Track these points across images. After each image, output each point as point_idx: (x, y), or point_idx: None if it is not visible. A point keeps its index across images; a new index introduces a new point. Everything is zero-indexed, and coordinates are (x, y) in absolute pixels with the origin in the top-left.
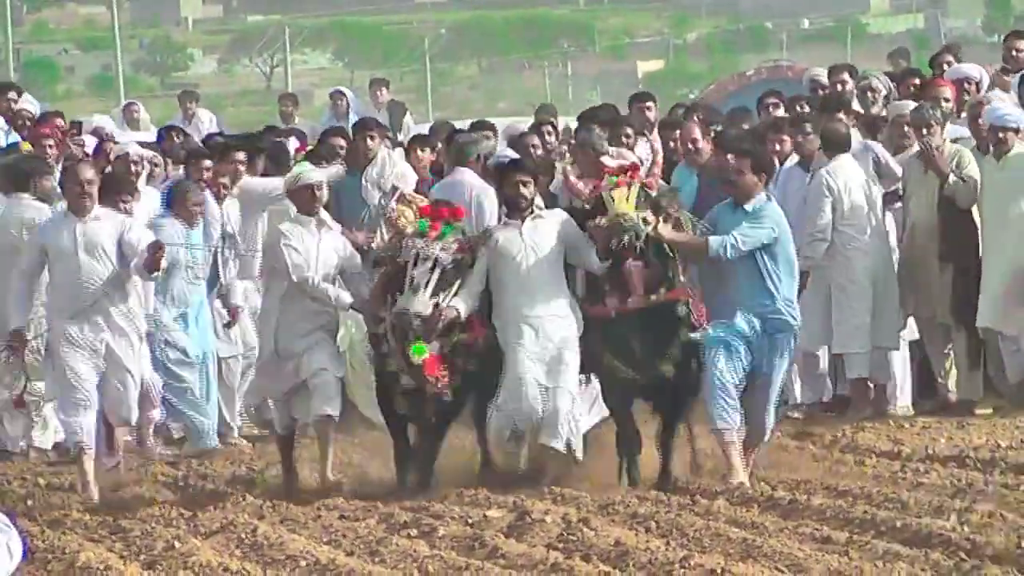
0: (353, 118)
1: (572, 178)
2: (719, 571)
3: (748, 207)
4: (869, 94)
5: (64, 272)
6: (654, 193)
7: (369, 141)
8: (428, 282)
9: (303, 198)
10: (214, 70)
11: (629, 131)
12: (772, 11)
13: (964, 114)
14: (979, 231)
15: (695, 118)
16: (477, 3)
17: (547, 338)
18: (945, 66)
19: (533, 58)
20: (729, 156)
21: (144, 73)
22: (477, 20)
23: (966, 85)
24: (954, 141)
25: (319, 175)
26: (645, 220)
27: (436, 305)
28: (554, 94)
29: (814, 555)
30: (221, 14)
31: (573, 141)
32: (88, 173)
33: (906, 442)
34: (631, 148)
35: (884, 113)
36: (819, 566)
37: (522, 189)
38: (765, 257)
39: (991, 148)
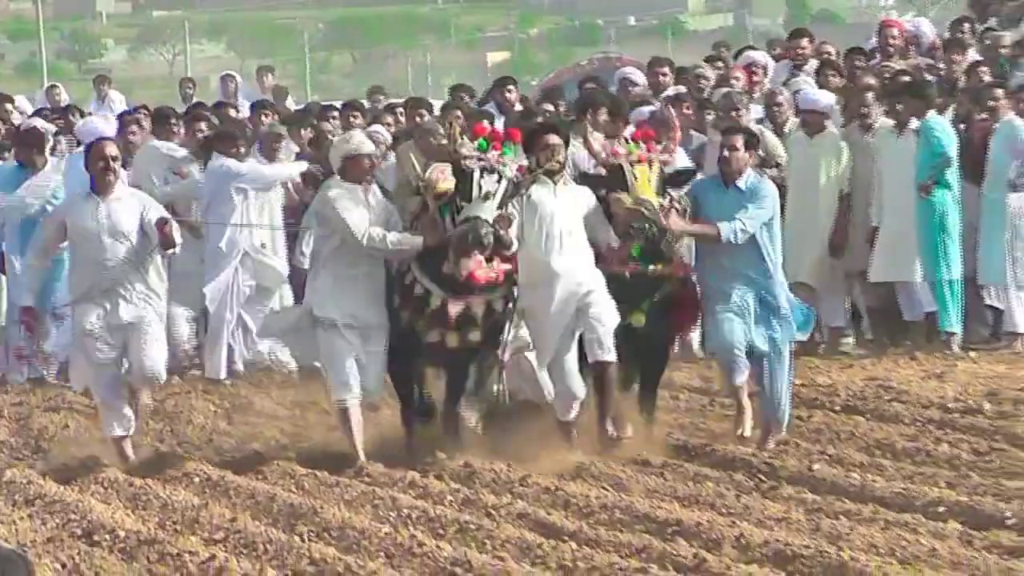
0: (240, 99)
1: (593, 141)
2: (552, 488)
3: (741, 184)
4: (703, 81)
5: (86, 252)
6: (668, 169)
7: (264, 118)
8: (496, 192)
9: (355, 167)
10: (125, 58)
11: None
12: (603, 9)
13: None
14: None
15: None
16: (351, 1)
17: (576, 285)
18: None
19: (398, 50)
20: (721, 134)
21: (64, 60)
22: (350, 16)
23: (754, 69)
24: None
25: (370, 145)
26: (661, 206)
27: (502, 214)
28: (416, 81)
29: (635, 476)
30: (130, 10)
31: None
32: (112, 149)
33: (715, 380)
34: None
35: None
36: (639, 485)
37: (555, 154)
38: (764, 233)
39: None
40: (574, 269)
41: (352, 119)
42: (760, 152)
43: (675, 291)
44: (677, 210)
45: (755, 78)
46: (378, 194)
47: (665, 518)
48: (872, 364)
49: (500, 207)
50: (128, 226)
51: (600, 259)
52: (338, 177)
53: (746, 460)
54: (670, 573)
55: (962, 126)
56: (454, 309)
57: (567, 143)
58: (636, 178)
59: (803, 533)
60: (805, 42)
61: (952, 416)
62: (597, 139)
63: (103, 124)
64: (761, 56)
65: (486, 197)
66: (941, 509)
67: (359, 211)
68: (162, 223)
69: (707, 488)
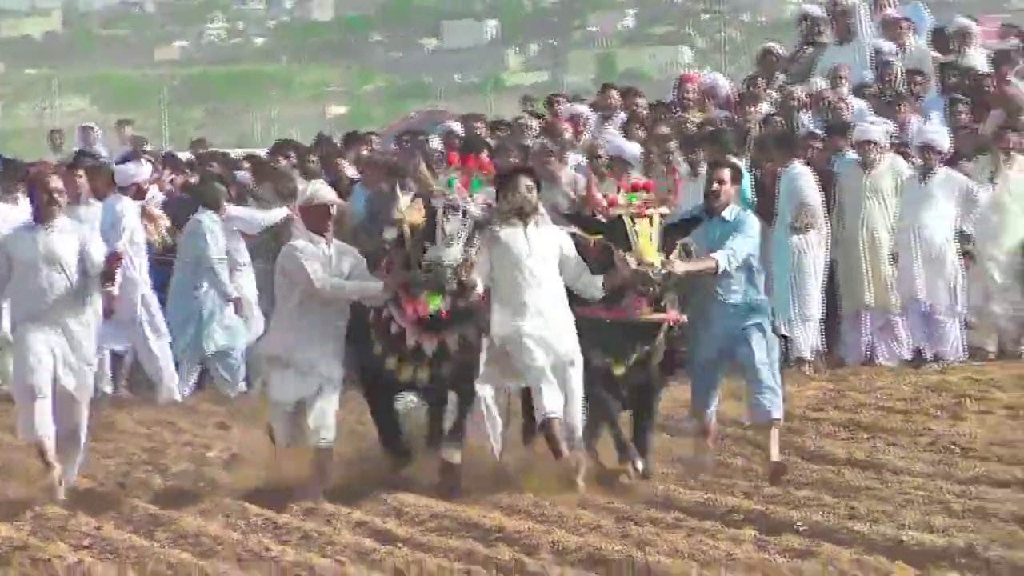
0: (100, 148)
1: (594, 189)
2: (387, 499)
3: (726, 215)
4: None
5: (25, 282)
6: (669, 216)
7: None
8: (461, 234)
9: (316, 216)
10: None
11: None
12: (432, 68)
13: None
14: None
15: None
16: (204, 61)
17: (550, 326)
18: (557, 105)
19: (247, 104)
20: (708, 167)
21: None
22: (203, 74)
23: (579, 120)
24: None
25: (332, 194)
26: (662, 261)
27: (466, 258)
28: (263, 132)
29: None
30: (3, 70)
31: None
32: (57, 181)
33: None
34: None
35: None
36: (465, 495)
37: (528, 194)
38: (753, 261)
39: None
40: (545, 307)
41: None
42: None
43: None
44: (682, 255)
45: (579, 128)
46: (340, 245)
47: (489, 525)
48: (680, 387)
49: (465, 249)
50: (66, 256)
51: (585, 304)
52: (302, 227)
53: None
54: (492, 575)
55: (756, 172)
56: (428, 347)
57: (539, 187)
58: (638, 235)
59: (613, 539)
60: (614, 94)
61: (747, 432)
62: (596, 185)
63: (136, 169)
64: (585, 109)
65: (449, 242)
66: (738, 516)
67: (321, 263)
68: (113, 257)
69: (527, 498)
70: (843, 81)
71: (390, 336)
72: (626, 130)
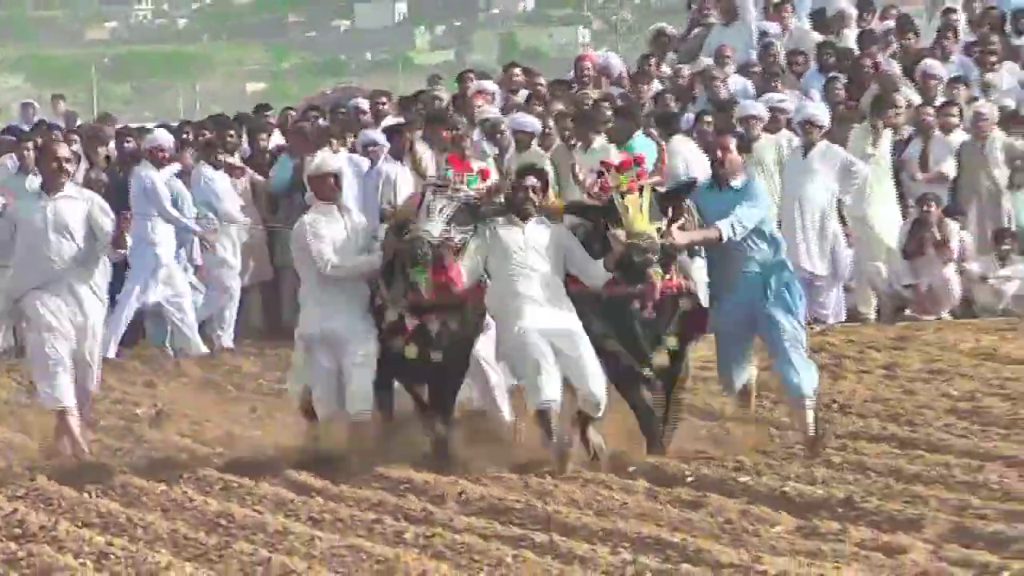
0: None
1: (580, 172)
2: (303, 451)
3: (735, 184)
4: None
5: (33, 248)
6: (662, 189)
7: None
8: (443, 210)
9: (324, 186)
10: None
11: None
12: (346, 47)
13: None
14: None
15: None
16: (131, 41)
17: (551, 315)
18: (468, 82)
19: (171, 81)
20: (715, 135)
21: None
22: (131, 53)
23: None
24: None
25: (338, 163)
26: (659, 230)
27: (448, 236)
28: (186, 107)
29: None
30: None
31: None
32: (64, 150)
33: None
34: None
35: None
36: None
37: (532, 194)
38: (764, 226)
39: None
40: (543, 300)
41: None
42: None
43: (687, 308)
44: (684, 223)
45: (486, 100)
46: (354, 214)
47: (398, 476)
48: None
49: (448, 226)
50: (74, 223)
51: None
52: (314, 200)
53: None
54: (401, 523)
55: None
56: (410, 324)
57: (546, 186)
58: (628, 210)
59: (515, 490)
60: (518, 72)
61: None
62: (584, 171)
63: (163, 136)
64: (491, 84)
65: (432, 217)
66: (631, 468)
67: (331, 236)
68: (123, 219)
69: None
70: (728, 60)
71: (375, 309)
72: (527, 105)
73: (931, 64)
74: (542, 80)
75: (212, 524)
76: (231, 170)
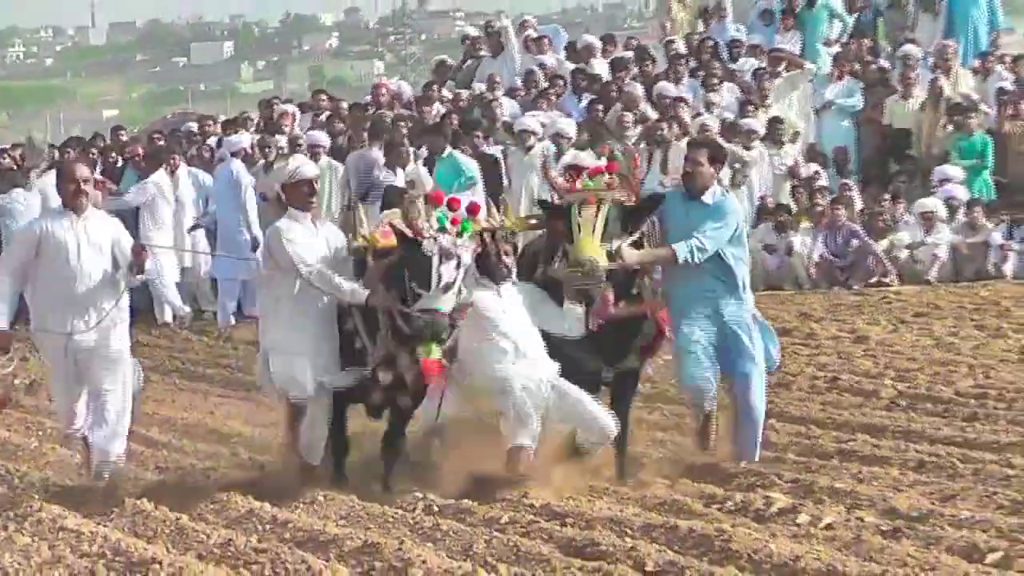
0: None
1: (552, 171)
2: (151, 413)
3: (706, 199)
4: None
5: (59, 265)
6: (631, 202)
7: None
8: (456, 281)
9: (299, 193)
10: None
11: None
12: (184, 79)
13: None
14: None
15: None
16: (7, 77)
17: (532, 369)
18: (274, 106)
19: (40, 109)
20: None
21: None
22: (6, 87)
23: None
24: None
25: (315, 169)
26: (610, 254)
27: (461, 306)
28: (52, 131)
29: (210, 401)
30: None
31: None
32: (84, 171)
33: None
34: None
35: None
36: (220, 410)
37: (505, 257)
38: (728, 249)
39: None
40: (521, 358)
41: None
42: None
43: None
44: (640, 239)
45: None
46: (328, 226)
47: (228, 431)
48: None
49: (456, 298)
50: (104, 242)
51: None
52: (287, 207)
53: None
54: (233, 471)
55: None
56: (384, 379)
57: (516, 248)
58: (579, 229)
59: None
60: (324, 97)
61: None
62: (556, 171)
63: (241, 139)
64: (291, 107)
65: (446, 288)
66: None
67: (308, 243)
68: (139, 248)
69: (261, 405)
70: (497, 86)
71: (353, 351)
72: (330, 124)
73: (665, 86)
74: (344, 104)
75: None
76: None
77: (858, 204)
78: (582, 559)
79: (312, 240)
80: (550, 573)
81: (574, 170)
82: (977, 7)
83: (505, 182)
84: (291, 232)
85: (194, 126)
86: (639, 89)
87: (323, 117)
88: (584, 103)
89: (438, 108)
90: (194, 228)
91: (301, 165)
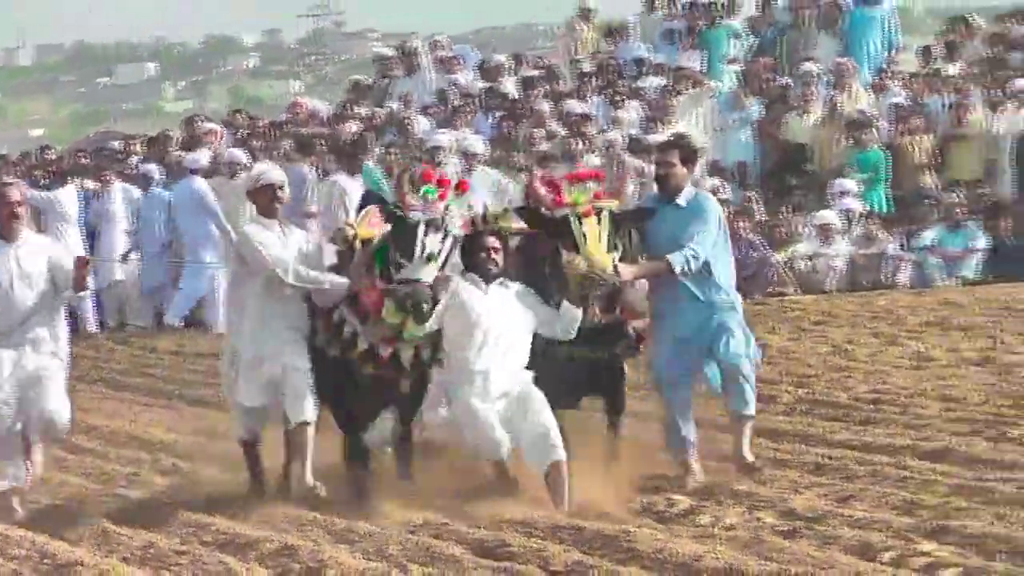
0: None
1: (536, 183)
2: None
3: (681, 201)
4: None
5: None
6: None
7: None
8: (440, 252)
9: (264, 198)
10: None
11: None
12: (108, 99)
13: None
14: None
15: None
16: None
17: (505, 382)
18: (196, 124)
19: None
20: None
21: None
22: None
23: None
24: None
25: (281, 175)
26: (615, 266)
27: (441, 278)
28: None
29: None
30: None
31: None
32: (16, 195)
33: None
34: None
35: None
36: (142, 418)
37: (493, 255)
38: (710, 251)
39: None
40: (500, 367)
41: None
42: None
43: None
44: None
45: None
46: (296, 231)
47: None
48: None
49: (441, 268)
50: (38, 271)
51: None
52: (254, 213)
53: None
54: (155, 476)
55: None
56: (384, 352)
57: (506, 248)
58: (587, 238)
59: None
60: (240, 116)
61: None
62: (540, 183)
63: (202, 156)
64: (214, 125)
65: (429, 258)
66: None
67: (278, 247)
68: (83, 262)
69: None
70: (411, 104)
71: (342, 339)
72: (247, 142)
73: (572, 104)
74: (261, 122)
75: None
76: None
77: (758, 216)
78: (492, 559)
79: (279, 244)
80: (461, 573)
81: (551, 185)
82: (874, 27)
83: None
84: (260, 235)
85: (117, 144)
86: (547, 107)
87: (241, 135)
88: (494, 121)
89: (353, 126)
90: (126, 256)
91: (266, 171)
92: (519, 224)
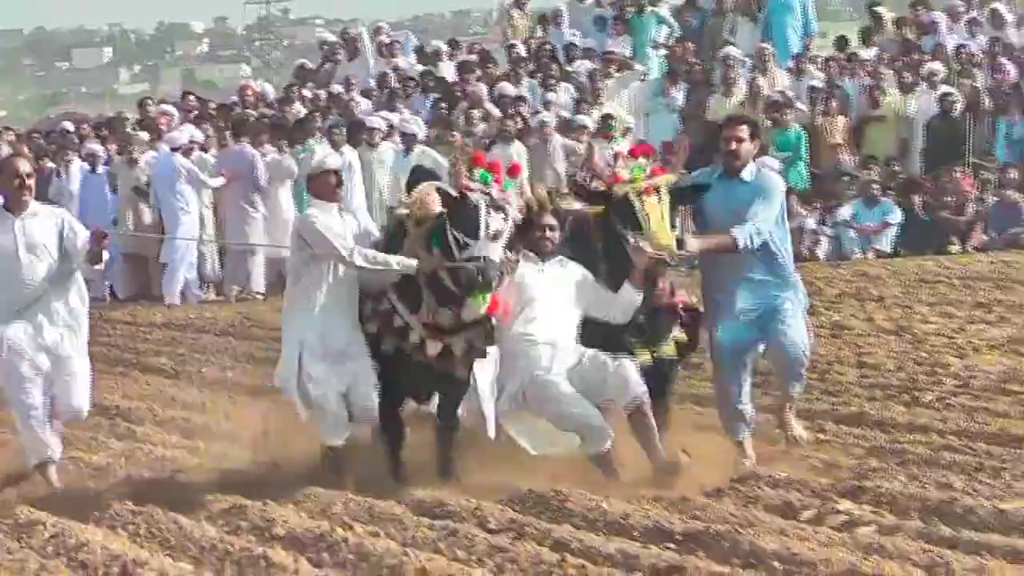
0: None
1: (596, 157)
2: None
3: (745, 176)
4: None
5: (4, 271)
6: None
7: None
8: (503, 232)
9: (325, 184)
10: None
11: None
12: (66, 82)
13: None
14: None
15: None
16: None
17: (565, 356)
18: (148, 106)
19: None
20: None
21: None
22: None
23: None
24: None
25: (339, 160)
26: (679, 241)
27: (508, 261)
28: None
29: None
30: None
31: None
32: (26, 167)
33: None
34: None
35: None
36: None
37: (549, 233)
38: (775, 230)
39: None
40: (559, 344)
41: None
42: None
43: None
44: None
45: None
46: (352, 216)
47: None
48: None
49: (504, 251)
50: (47, 241)
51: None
52: (314, 199)
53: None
54: (111, 440)
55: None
56: (432, 349)
57: (563, 225)
58: (649, 217)
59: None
60: (192, 98)
61: None
62: (599, 156)
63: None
64: (170, 107)
65: (495, 237)
66: None
67: (342, 230)
68: (101, 234)
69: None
70: (353, 87)
71: (393, 329)
72: (198, 123)
73: (506, 86)
74: (212, 104)
75: None
76: None
77: None
78: (431, 518)
79: (341, 229)
80: (402, 531)
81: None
82: (792, 14)
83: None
84: (324, 219)
85: (69, 126)
86: (483, 89)
87: (192, 116)
88: (432, 103)
89: (298, 108)
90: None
91: (326, 156)
92: (578, 204)
